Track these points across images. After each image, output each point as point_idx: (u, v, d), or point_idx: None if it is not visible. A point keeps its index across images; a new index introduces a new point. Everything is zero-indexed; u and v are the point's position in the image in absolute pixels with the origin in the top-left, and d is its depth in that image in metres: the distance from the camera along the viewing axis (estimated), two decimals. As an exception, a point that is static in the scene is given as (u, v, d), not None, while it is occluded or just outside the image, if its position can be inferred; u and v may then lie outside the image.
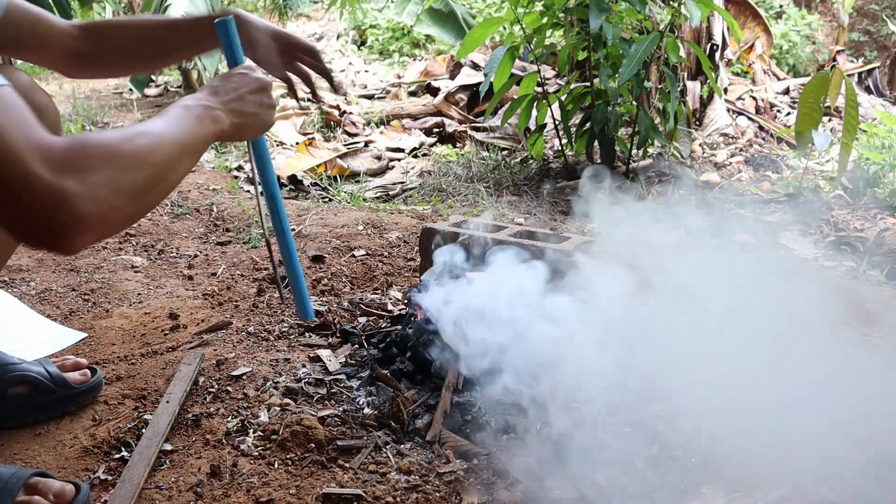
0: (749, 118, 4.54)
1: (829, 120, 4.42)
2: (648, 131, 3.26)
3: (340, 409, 1.45)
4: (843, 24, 6.55)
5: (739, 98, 4.83)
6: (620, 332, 1.46)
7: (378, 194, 3.38)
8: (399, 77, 6.27)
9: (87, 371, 1.47)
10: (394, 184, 3.52)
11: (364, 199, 3.22)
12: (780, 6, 7.15)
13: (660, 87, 3.48)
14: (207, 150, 3.89)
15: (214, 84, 1.09)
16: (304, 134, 4.36)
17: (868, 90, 5.73)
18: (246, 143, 1.26)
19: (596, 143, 3.33)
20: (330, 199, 3.21)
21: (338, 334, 1.80)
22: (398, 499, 1.20)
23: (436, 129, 4.48)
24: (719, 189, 3.30)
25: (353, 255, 2.38)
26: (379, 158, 3.92)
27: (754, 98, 4.87)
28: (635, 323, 1.49)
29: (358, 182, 3.59)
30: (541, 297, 1.49)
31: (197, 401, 1.48)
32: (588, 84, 3.36)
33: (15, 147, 0.74)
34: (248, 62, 1.21)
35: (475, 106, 4.83)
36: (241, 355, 1.67)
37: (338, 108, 4.81)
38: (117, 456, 1.31)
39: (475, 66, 5.24)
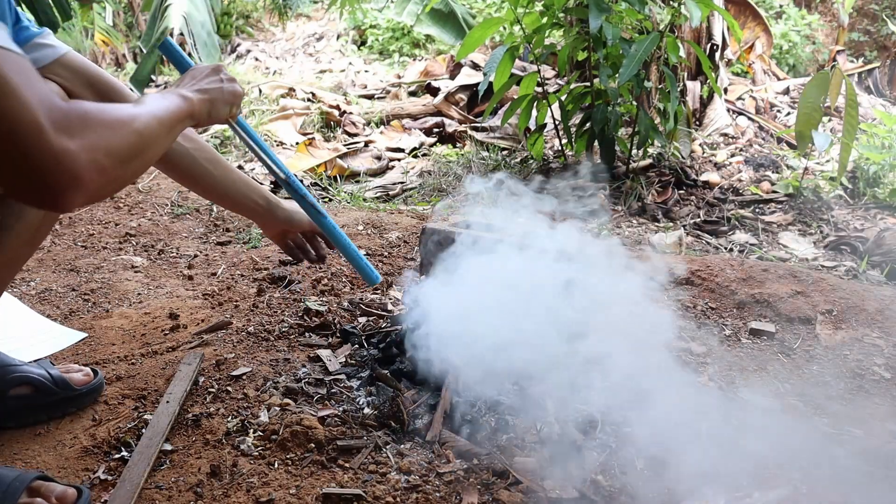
0: (749, 118, 4.54)
1: (829, 120, 4.42)
2: (648, 131, 3.26)
3: (340, 409, 1.45)
4: (843, 24, 6.56)
5: (739, 98, 4.83)
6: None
7: (378, 194, 3.38)
8: (399, 77, 6.27)
9: (90, 372, 1.48)
10: (394, 184, 3.52)
11: (364, 199, 3.22)
12: (780, 6, 7.15)
13: (660, 87, 3.48)
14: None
15: (172, 85, 1.20)
16: (304, 134, 4.36)
17: (868, 90, 5.74)
18: (230, 127, 1.34)
19: (596, 143, 3.33)
20: (330, 199, 3.21)
21: (338, 334, 1.80)
22: (398, 499, 1.20)
23: (436, 129, 4.48)
24: (719, 189, 3.30)
25: (353, 255, 2.38)
26: (379, 158, 3.92)
27: (754, 98, 4.87)
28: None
29: (358, 182, 3.59)
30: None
31: (197, 401, 1.48)
32: (588, 84, 3.36)
33: (29, 105, 0.81)
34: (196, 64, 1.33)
35: (475, 106, 4.83)
36: (241, 355, 1.67)
37: (338, 107, 4.81)
38: (117, 456, 1.31)
39: (475, 66, 5.24)
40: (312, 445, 1.32)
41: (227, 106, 1.23)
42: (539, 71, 3.40)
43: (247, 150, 3.79)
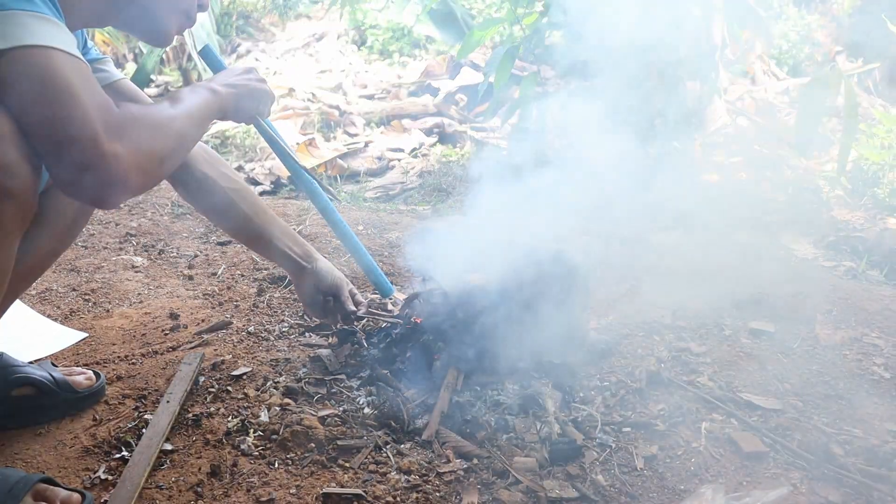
0: (749, 118, 4.54)
1: (829, 120, 4.42)
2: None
3: (340, 409, 1.45)
4: (843, 25, 6.55)
5: (739, 98, 4.83)
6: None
7: (378, 194, 3.38)
8: (399, 77, 6.27)
9: (92, 375, 1.48)
10: (394, 184, 3.53)
11: (364, 199, 3.22)
12: (780, 6, 7.15)
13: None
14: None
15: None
16: (305, 134, 4.36)
17: (867, 90, 5.73)
18: (255, 125, 1.39)
19: (596, 143, 3.33)
20: (330, 200, 3.21)
21: (338, 334, 1.80)
22: (398, 498, 1.20)
23: (436, 129, 4.49)
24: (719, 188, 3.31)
25: (354, 255, 2.38)
26: (379, 158, 3.92)
27: (754, 98, 4.88)
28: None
29: (358, 182, 3.59)
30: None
31: (197, 401, 1.48)
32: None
33: (87, 111, 0.88)
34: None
35: (475, 106, 4.83)
36: (242, 355, 1.67)
37: (338, 107, 4.81)
38: (118, 456, 1.31)
39: (475, 66, 5.24)
40: (312, 445, 1.32)
41: (255, 103, 1.29)
42: (539, 71, 3.41)
43: (247, 150, 3.77)
